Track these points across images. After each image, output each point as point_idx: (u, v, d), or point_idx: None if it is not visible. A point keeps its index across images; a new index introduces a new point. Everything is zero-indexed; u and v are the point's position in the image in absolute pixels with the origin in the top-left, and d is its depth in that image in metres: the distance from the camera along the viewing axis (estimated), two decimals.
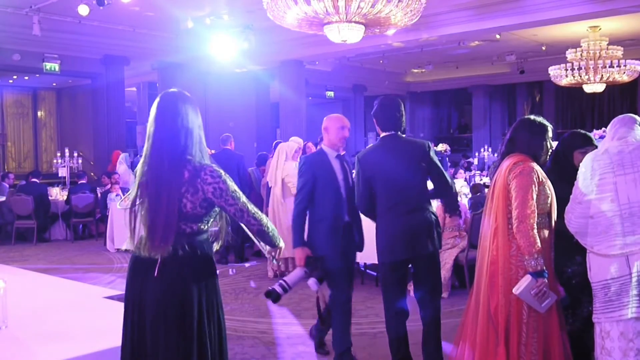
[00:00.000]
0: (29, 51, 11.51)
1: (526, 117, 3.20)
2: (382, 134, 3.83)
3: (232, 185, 2.37)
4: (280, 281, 3.67)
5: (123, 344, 2.36)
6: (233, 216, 2.41)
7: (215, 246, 2.50)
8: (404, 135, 3.86)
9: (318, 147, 4.29)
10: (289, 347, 4.58)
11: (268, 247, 2.58)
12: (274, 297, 3.64)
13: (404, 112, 3.83)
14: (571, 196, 2.90)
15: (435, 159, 3.80)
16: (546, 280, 2.82)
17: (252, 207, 2.43)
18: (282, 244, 2.57)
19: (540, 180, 2.95)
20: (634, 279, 2.59)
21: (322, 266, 3.85)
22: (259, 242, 2.60)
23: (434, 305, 3.78)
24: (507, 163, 3.03)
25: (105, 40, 11.56)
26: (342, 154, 4.17)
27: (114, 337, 2.39)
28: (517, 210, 2.89)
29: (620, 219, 2.64)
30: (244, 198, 2.40)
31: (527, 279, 2.82)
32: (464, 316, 3.23)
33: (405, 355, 3.79)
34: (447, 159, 12.32)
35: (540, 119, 3.15)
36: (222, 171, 2.38)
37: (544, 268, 2.83)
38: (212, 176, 2.33)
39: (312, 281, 3.77)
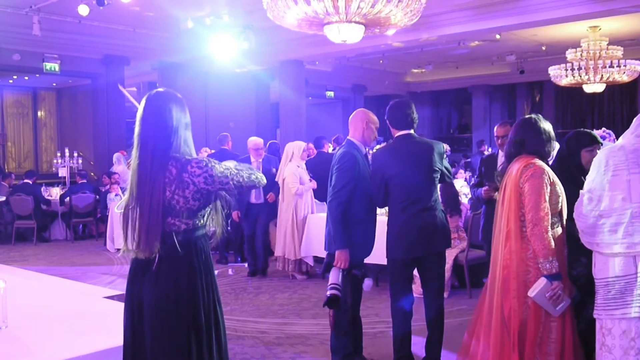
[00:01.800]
0: (29, 51, 11.50)
1: (528, 117, 3.18)
2: (397, 134, 3.85)
3: (219, 167, 2.39)
4: (332, 285, 3.54)
5: (124, 343, 2.36)
6: (235, 189, 2.44)
7: (212, 241, 2.52)
8: (417, 135, 3.90)
9: (342, 143, 4.07)
10: (289, 347, 4.58)
11: None
12: (338, 302, 3.49)
13: (415, 112, 3.87)
14: (582, 190, 2.89)
15: (446, 161, 3.90)
16: (561, 284, 2.81)
17: (246, 174, 2.45)
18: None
19: (552, 181, 2.94)
20: None
21: (362, 267, 3.80)
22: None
23: (438, 303, 3.85)
24: (517, 166, 3.01)
25: (105, 40, 11.55)
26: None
27: (114, 337, 2.39)
28: (531, 213, 2.87)
29: (630, 218, 2.63)
30: (233, 169, 2.42)
31: (542, 282, 2.82)
32: (475, 317, 3.21)
33: (408, 353, 3.82)
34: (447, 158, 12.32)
35: (540, 117, 3.15)
36: (206, 159, 2.41)
37: (559, 271, 2.82)
38: (200, 167, 2.35)
39: (368, 282, 3.67)
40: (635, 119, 2.85)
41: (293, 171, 6.77)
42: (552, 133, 3.12)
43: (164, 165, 2.34)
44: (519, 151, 3.08)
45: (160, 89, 2.53)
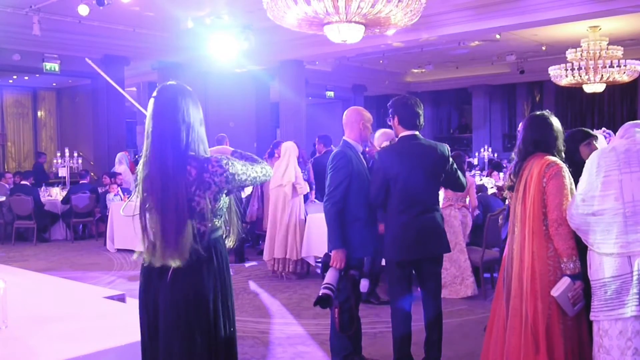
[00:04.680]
0: (29, 51, 11.51)
1: (539, 113, 3.14)
2: (402, 134, 3.81)
3: (237, 165, 2.33)
4: (325, 285, 3.54)
5: (142, 347, 2.32)
6: (250, 184, 2.42)
7: (229, 242, 2.43)
8: (422, 137, 3.87)
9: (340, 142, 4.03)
10: (289, 347, 4.58)
11: None
12: (329, 302, 3.48)
13: (423, 111, 3.83)
14: (576, 192, 2.88)
15: (454, 163, 3.85)
16: (583, 284, 2.80)
17: (257, 168, 2.41)
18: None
19: (570, 180, 2.93)
20: (635, 278, 2.58)
21: (361, 267, 3.78)
22: None
23: (436, 304, 3.84)
24: (537, 164, 2.97)
25: (105, 40, 11.56)
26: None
27: (114, 337, 2.38)
28: (555, 212, 2.85)
29: (623, 217, 2.62)
30: (250, 166, 2.38)
31: (565, 282, 2.80)
32: (489, 325, 3.18)
33: (407, 354, 3.81)
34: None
35: (549, 114, 3.12)
36: (223, 157, 2.32)
37: (581, 270, 2.81)
38: (220, 166, 2.26)
39: (364, 283, 3.64)
40: (620, 128, 2.88)
41: (299, 173, 6.82)
42: (561, 129, 3.10)
43: (183, 165, 2.23)
44: (533, 150, 3.04)
45: (172, 82, 2.39)
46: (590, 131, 3.44)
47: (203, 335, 2.25)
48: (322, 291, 3.53)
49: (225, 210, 2.37)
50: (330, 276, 3.63)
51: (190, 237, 2.21)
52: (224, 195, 2.33)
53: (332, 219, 3.74)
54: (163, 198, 2.22)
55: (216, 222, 2.32)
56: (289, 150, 6.92)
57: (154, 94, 2.34)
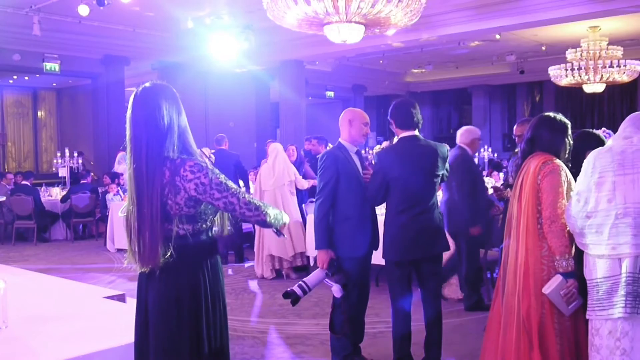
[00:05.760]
0: (29, 51, 11.52)
1: (546, 114, 3.15)
2: (401, 134, 3.82)
3: (217, 177, 2.19)
4: (300, 282, 3.51)
5: (135, 342, 2.33)
6: (224, 210, 2.25)
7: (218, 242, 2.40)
8: (422, 137, 3.88)
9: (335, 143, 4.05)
10: (289, 347, 4.58)
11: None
12: (293, 299, 3.44)
13: (419, 112, 3.84)
14: (572, 193, 2.89)
15: (447, 165, 3.89)
16: (576, 282, 2.80)
17: (243, 197, 2.23)
18: (286, 219, 2.38)
19: (568, 179, 2.93)
20: (623, 279, 2.60)
21: (345, 269, 3.74)
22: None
23: (436, 303, 3.85)
24: (534, 162, 2.98)
25: (105, 40, 11.57)
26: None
27: (114, 337, 2.38)
28: (549, 210, 2.85)
29: (614, 219, 2.64)
30: (233, 188, 2.22)
31: (557, 279, 2.81)
32: (489, 323, 3.18)
33: (407, 354, 3.82)
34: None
35: (560, 116, 3.12)
36: (205, 164, 2.21)
37: (575, 269, 2.81)
38: (192, 171, 2.16)
39: (337, 288, 3.60)
40: (622, 123, 2.85)
41: (294, 169, 6.90)
42: (569, 131, 3.08)
43: (159, 168, 2.19)
44: (532, 149, 3.05)
45: (147, 84, 2.32)
46: (605, 140, 3.41)
47: (185, 337, 2.24)
48: (293, 287, 3.49)
49: (210, 213, 2.30)
50: (312, 275, 3.60)
51: (160, 244, 2.18)
52: (198, 203, 2.22)
53: (318, 219, 3.80)
54: (140, 205, 2.21)
55: (199, 226, 2.27)
56: (280, 151, 6.95)
57: (132, 96, 2.30)
